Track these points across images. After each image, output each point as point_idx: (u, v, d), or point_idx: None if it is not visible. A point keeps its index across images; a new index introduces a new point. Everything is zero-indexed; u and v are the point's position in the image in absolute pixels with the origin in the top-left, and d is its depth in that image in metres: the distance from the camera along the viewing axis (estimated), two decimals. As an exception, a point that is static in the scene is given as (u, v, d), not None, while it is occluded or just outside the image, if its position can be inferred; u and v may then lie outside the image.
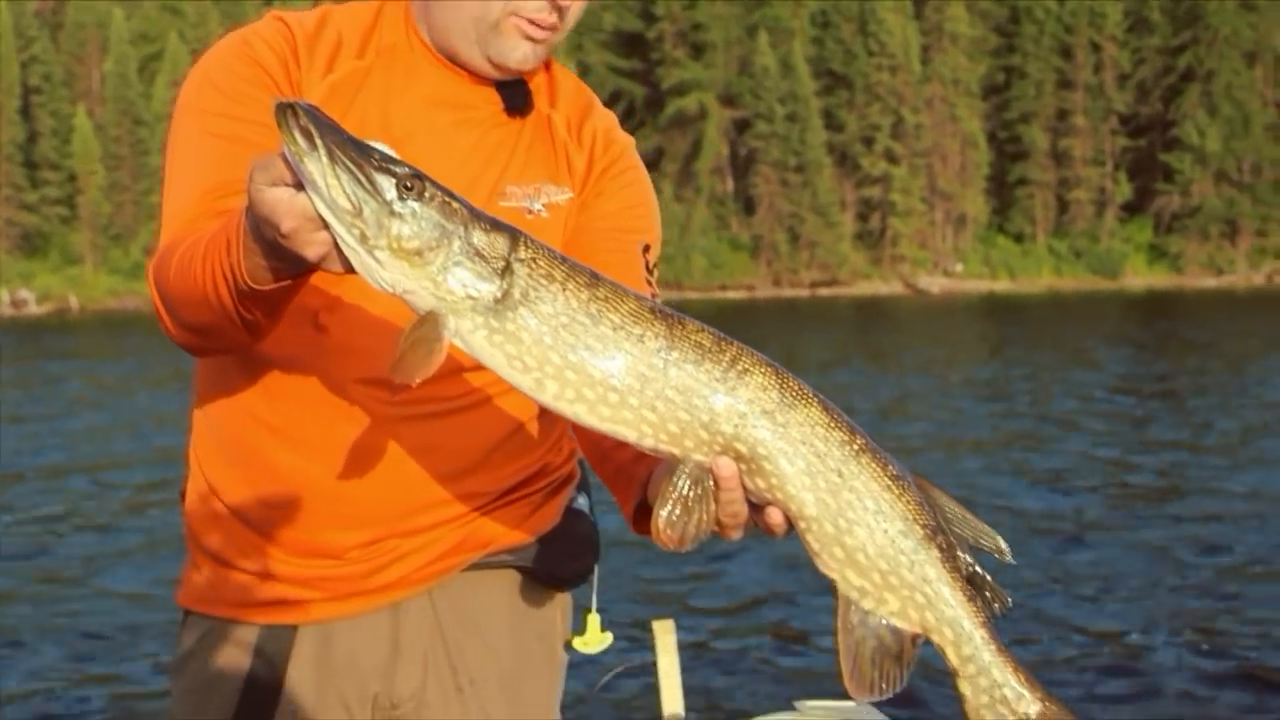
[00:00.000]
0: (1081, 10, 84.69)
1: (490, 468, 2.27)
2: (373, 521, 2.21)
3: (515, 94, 2.27)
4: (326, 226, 1.66)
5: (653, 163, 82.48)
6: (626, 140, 2.40)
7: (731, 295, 77.37)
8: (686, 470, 1.75)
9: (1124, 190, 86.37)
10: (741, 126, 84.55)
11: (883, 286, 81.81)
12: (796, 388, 1.74)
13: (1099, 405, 21.11)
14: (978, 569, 1.79)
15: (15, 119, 76.99)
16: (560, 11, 2.17)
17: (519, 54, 2.18)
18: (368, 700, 2.27)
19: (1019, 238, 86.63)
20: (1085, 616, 8.93)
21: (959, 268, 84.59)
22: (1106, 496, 13.40)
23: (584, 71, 79.67)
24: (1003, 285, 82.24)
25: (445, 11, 2.19)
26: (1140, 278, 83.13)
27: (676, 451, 1.75)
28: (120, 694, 7.48)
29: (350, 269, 1.70)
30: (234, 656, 2.26)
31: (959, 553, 1.78)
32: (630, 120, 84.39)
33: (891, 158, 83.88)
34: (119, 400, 23.47)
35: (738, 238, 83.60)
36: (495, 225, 1.72)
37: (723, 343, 1.74)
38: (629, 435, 1.75)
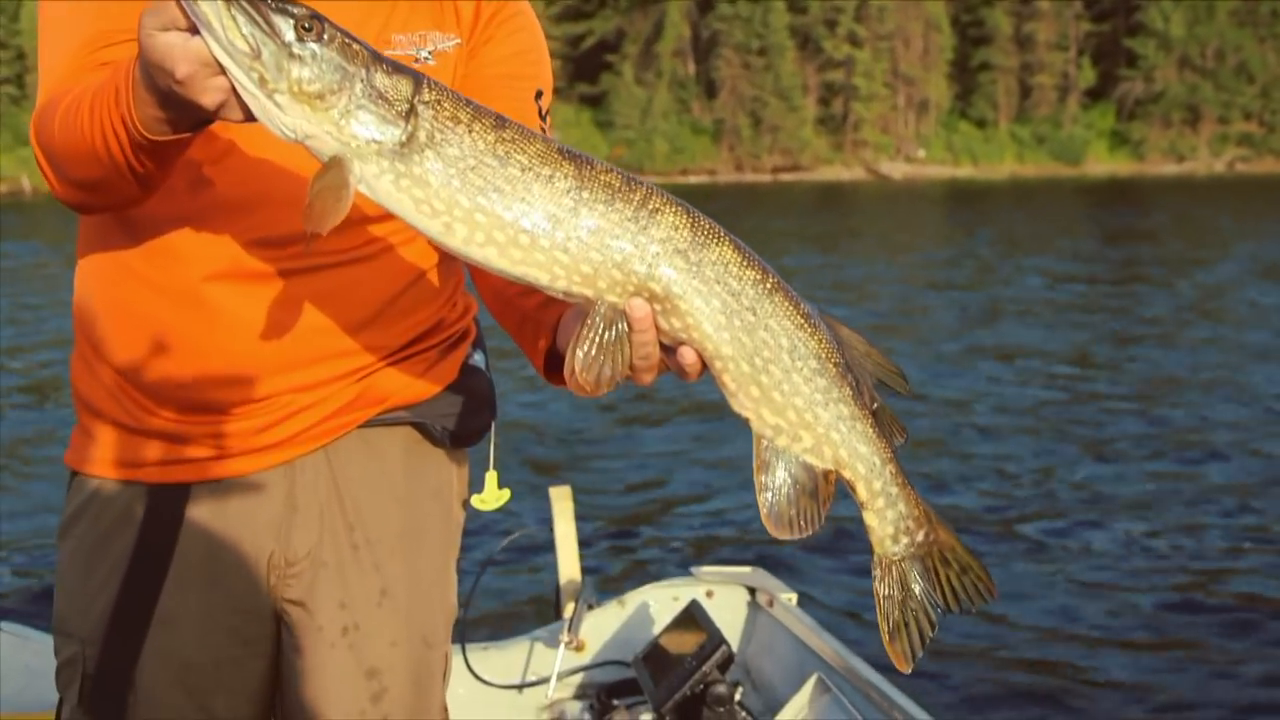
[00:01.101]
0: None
1: (384, 322, 2.22)
2: (263, 376, 2.15)
3: None
4: (223, 71, 1.62)
5: (613, 45, 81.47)
6: None
7: (693, 180, 77.02)
8: (600, 312, 1.74)
9: (1087, 76, 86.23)
10: (704, 8, 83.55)
11: (845, 172, 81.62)
12: (708, 227, 1.74)
13: (1055, 292, 21.20)
14: (882, 404, 1.82)
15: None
16: None
17: None
18: (263, 559, 2.22)
19: (981, 123, 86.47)
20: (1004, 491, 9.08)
21: (921, 153, 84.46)
22: (1055, 380, 13.54)
23: (544, -50, 78.33)
24: (965, 171, 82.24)
25: None
26: (1102, 164, 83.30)
27: (589, 293, 1.74)
28: (18, 558, 7.38)
29: (249, 116, 1.66)
30: (124, 517, 2.21)
31: (866, 389, 1.80)
32: (590, 1, 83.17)
33: (854, 41, 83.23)
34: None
35: (699, 121, 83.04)
36: (397, 68, 1.69)
37: (633, 183, 1.73)
38: (541, 278, 1.74)
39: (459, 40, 2.23)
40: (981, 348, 15.51)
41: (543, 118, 2.27)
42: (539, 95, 2.28)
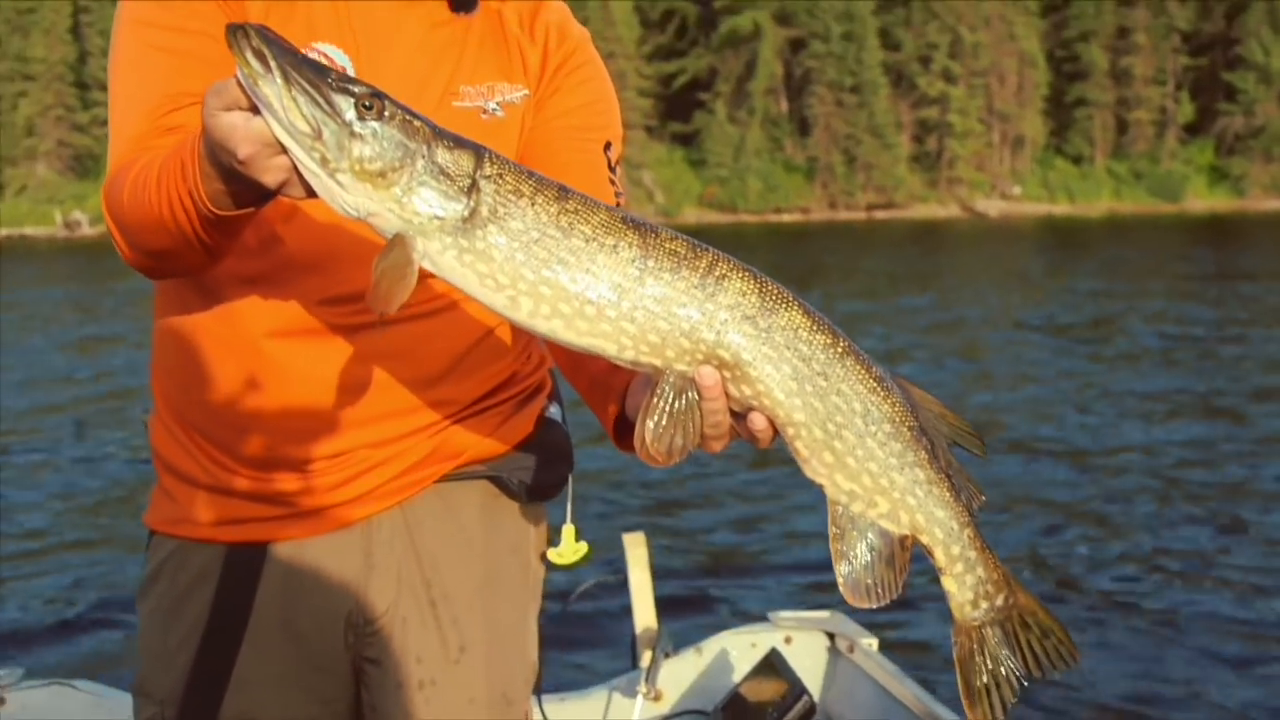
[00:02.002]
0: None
1: (458, 376, 2.22)
2: (337, 432, 2.16)
3: None
4: (285, 151, 1.63)
5: (706, 83, 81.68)
6: (582, 33, 2.33)
7: (786, 219, 76.79)
8: (669, 382, 1.73)
9: (1186, 111, 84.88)
10: (797, 46, 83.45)
11: (939, 210, 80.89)
12: (776, 291, 1.72)
13: (1162, 333, 20.72)
14: (958, 467, 1.79)
15: (66, 38, 76.11)
16: None
17: None
18: (341, 618, 2.23)
19: (1077, 160, 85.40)
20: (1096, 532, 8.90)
21: (1017, 190, 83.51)
22: (1162, 429, 13.26)
23: (636, -9, 78.77)
24: (1061, 208, 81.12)
25: None
26: (1202, 201, 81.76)
27: (658, 363, 1.73)
28: (95, 618, 7.40)
29: (312, 193, 1.67)
30: (202, 576, 2.23)
31: (941, 452, 1.77)
32: (683, 39, 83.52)
33: (949, 78, 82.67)
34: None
35: (792, 160, 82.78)
36: (459, 142, 1.68)
37: (698, 249, 1.71)
38: (608, 349, 1.72)
39: (527, 91, 2.23)
40: (1086, 389, 15.22)
41: (612, 169, 2.25)
42: (608, 147, 2.27)
